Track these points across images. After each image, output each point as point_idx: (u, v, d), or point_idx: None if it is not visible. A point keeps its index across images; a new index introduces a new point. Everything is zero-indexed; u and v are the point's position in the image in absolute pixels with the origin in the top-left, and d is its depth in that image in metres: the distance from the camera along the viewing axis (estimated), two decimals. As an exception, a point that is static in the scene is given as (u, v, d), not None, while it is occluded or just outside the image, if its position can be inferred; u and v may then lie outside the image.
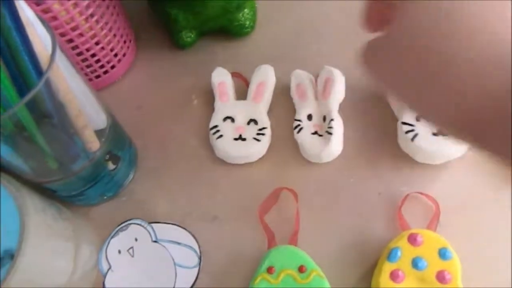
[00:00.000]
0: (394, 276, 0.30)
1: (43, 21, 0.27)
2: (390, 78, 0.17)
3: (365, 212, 0.35)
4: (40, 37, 0.26)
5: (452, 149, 0.34)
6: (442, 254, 0.30)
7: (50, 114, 0.28)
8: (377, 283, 0.30)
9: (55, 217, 0.32)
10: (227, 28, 0.45)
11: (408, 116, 0.36)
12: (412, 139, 0.35)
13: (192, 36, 0.45)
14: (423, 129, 0.35)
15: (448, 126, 0.15)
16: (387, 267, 0.30)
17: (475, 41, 0.14)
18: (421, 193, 0.34)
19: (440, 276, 0.29)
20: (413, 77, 0.15)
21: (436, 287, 0.29)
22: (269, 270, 0.31)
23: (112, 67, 0.44)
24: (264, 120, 0.38)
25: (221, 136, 0.37)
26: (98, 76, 0.43)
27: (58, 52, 0.27)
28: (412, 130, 0.35)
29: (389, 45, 0.16)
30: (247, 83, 0.41)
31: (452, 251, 0.30)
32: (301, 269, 0.31)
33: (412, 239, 0.31)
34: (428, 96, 0.15)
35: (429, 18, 0.14)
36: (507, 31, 0.13)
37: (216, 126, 0.38)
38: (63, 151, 0.31)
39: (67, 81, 0.28)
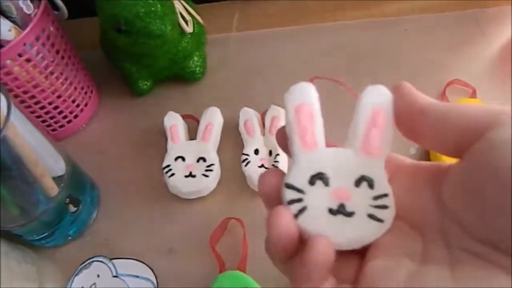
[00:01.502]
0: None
1: (-1, 86, 0.31)
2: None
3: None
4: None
5: None
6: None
7: (9, 167, 0.32)
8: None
9: (18, 260, 0.35)
10: (180, 75, 0.49)
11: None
12: None
13: (148, 84, 0.49)
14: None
15: None
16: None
17: None
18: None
19: None
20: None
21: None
22: (216, 295, 0.34)
23: (75, 116, 0.47)
24: (212, 157, 0.42)
25: (173, 174, 0.41)
26: (62, 126, 0.47)
27: (14, 112, 0.30)
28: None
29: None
30: (199, 123, 0.45)
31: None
32: (244, 292, 0.34)
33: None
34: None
35: None
36: None
37: (168, 166, 0.41)
38: (23, 198, 0.35)
39: (23, 136, 0.32)
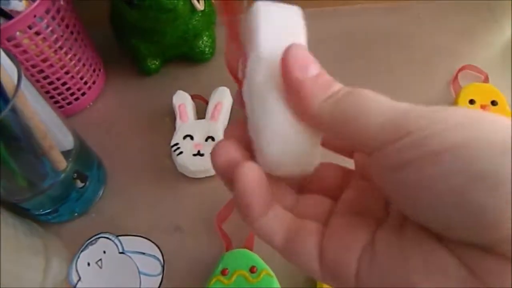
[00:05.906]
0: (335, 271, 0.33)
1: (9, 55, 0.30)
2: None
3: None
4: (5, 69, 0.29)
5: None
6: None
7: (17, 137, 0.31)
8: (320, 279, 0.33)
9: (25, 233, 0.35)
10: (188, 55, 0.49)
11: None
12: None
13: (157, 63, 0.49)
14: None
15: None
16: (330, 264, 0.33)
17: None
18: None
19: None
20: None
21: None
22: (223, 272, 0.34)
23: (83, 94, 0.47)
24: (221, 137, 0.41)
25: (181, 152, 0.40)
26: (69, 103, 0.46)
27: (24, 82, 0.30)
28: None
29: None
30: (207, 104, 0.45)
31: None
32: (252, 270, 0.33)
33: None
34: None
35: None
36: None
37: (176, 144, 0.41)
38: (31, 170, 0.34)
39: (32, 107, 0.31)
